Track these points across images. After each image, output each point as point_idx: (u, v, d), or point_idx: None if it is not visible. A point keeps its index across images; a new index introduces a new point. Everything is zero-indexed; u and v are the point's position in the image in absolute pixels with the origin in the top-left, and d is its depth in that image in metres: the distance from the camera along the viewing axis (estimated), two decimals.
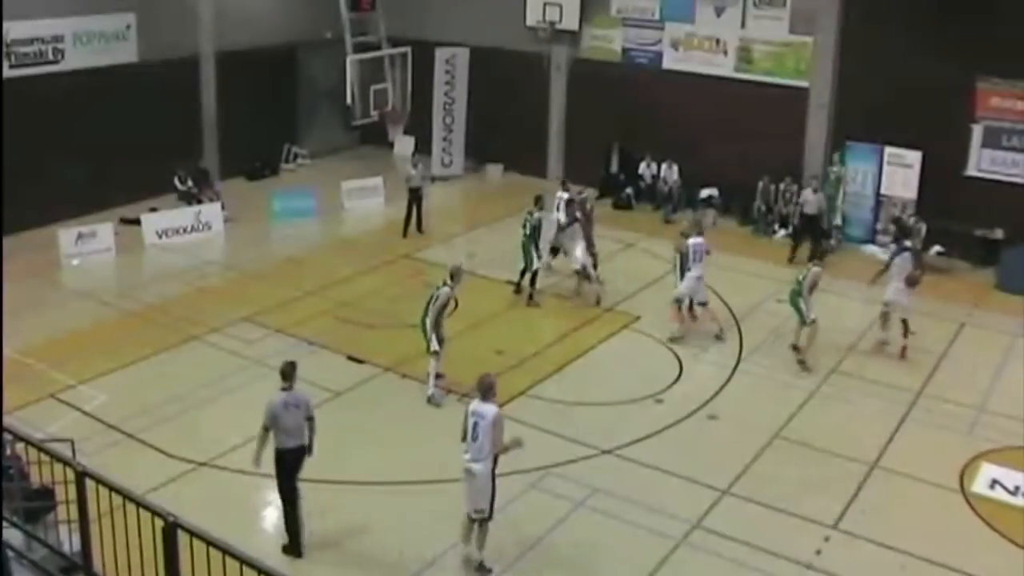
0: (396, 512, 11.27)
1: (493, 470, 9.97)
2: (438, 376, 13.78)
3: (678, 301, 16.09)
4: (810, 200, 19.61)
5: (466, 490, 10.05)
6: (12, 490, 8.25)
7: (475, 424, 9.82)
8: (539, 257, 17.16)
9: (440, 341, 13.51)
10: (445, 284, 13.55)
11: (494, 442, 9.80)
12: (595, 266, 17.28)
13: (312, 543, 10.67)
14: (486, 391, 9.88)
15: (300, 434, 10.28)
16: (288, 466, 10.34)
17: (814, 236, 19.34)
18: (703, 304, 16.26)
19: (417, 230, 20.54)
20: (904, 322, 15.37)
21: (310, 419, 10.35)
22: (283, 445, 10.25)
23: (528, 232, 16.97)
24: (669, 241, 19.76)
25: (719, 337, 15.98)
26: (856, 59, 20.39)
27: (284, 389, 10.20)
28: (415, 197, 20.54)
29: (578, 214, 17.57)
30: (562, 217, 17.77)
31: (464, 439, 9.97)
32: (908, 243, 15.10)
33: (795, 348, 15.28)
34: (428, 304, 13.50)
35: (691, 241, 16.08)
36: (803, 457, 12.70)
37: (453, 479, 11.79)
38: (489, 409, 9.81)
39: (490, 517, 10.07)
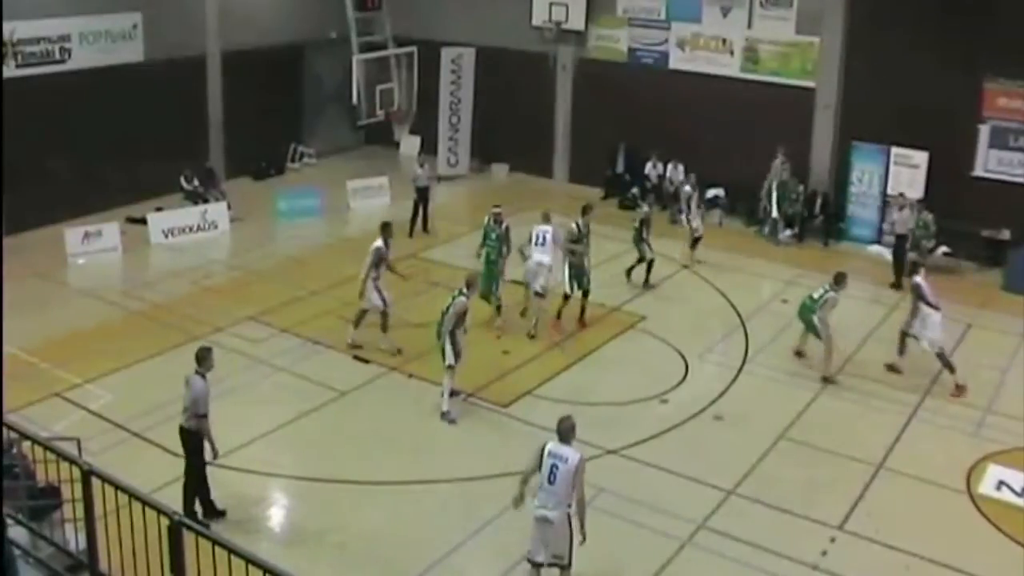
0: (400, 512, 11.27)
1: (569, 515, 9.26)
2: (453, 393, 13.50)
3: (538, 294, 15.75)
4: (897, 219, 18.72)
5: (538, 537, 9.33)
6: (18, 488, 8.27)
7: (553, 467, 9.10)
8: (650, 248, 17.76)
9: (457, 355, 13.11)
10: (461, 293, 13.18)
11: (577, 489, 9.16)
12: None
13: (315, 542, 10.70)
14: (568, 433, 9.27)
15: (190, 416, 10.60)
16: (183, 441, 10.76)
17: (902, 257, 18.40)
18: (539, 295, 15.70)
19: (423, 230, 20.53)
20: (939, 356, 14.42)
21: (198, 415, 10.51)
22: (180, 421, 10.76)
23: (636, 226, 17.56)
24: (675, 241, 19.80)
25: (530, 334, 15.63)
26: (863, 59, 20.37)
27: (196, 372, 10.63)
28: (422, 197, 20.55)
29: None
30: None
31: (526, 478, 9.40)
32: (917, 277, 14.69)
33: (798, 353, 15.23)
34: (443, 314, 13.21)
35: (538, 228, 15.88)
36: (809, 458, 12.68)
37: (457, 479, 11.86)
38: (572, 453, 9.14)
39: (570, 564, 9.36)
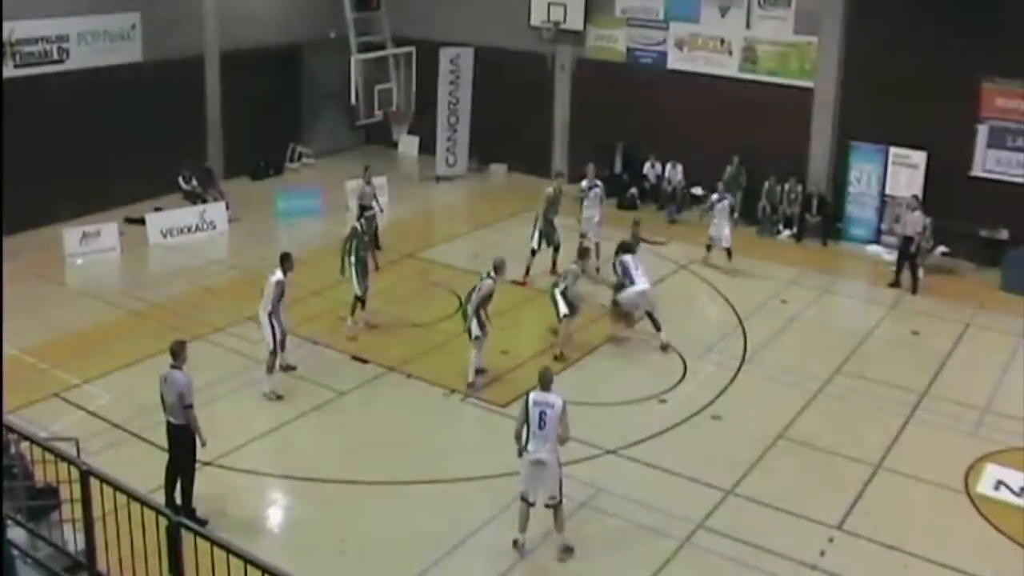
0: (400, 512, 11.27)
1: (558, 455, 10.27)
2: (479, 371, 14.15)
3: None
4: (908, 220, 18.28)
5: (532, 480, 10.22)
6: (16, 488, 8.27)
7: (542, 413, 10.08)
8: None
9: (482, 327, 13.83)
10: (488, 276, 13.83)
11: (564, 430, 10.17)
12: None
13: (315, 542, 10.70)
14: (549, 382, 10.29)
15: (176, 413, 10.58)
16: (170, 440, 10.77)
17: (912, 258, 18.15)
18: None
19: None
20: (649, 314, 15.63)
21: (185, 407, 10.50)
22: (167, 418, 10.73)
23: None
24: (674, 241, 19.82)
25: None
26: (861, 59, 20.35)
27: (172, 366, 10.60)
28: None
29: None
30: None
31: (519, 433, 10.21)
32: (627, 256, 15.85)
33: (559, 351, 15.12)
34: (470, 293, 13.87)
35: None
36: (807, 458, 12.69)
37: (457, 480, 11.86)
38: (555, 399, 10.13)
39: (561, 500, 10.34)
